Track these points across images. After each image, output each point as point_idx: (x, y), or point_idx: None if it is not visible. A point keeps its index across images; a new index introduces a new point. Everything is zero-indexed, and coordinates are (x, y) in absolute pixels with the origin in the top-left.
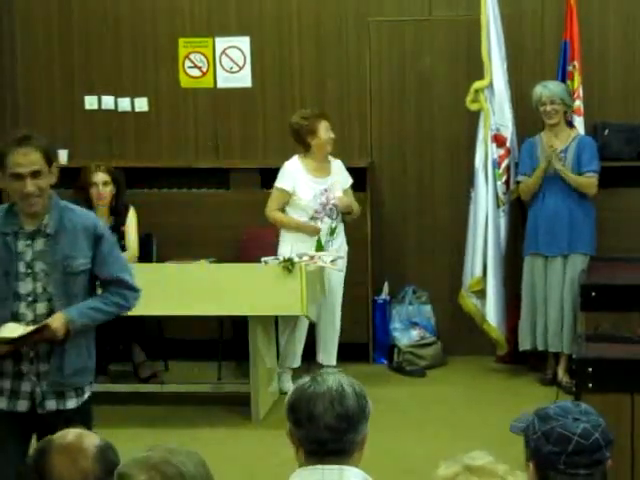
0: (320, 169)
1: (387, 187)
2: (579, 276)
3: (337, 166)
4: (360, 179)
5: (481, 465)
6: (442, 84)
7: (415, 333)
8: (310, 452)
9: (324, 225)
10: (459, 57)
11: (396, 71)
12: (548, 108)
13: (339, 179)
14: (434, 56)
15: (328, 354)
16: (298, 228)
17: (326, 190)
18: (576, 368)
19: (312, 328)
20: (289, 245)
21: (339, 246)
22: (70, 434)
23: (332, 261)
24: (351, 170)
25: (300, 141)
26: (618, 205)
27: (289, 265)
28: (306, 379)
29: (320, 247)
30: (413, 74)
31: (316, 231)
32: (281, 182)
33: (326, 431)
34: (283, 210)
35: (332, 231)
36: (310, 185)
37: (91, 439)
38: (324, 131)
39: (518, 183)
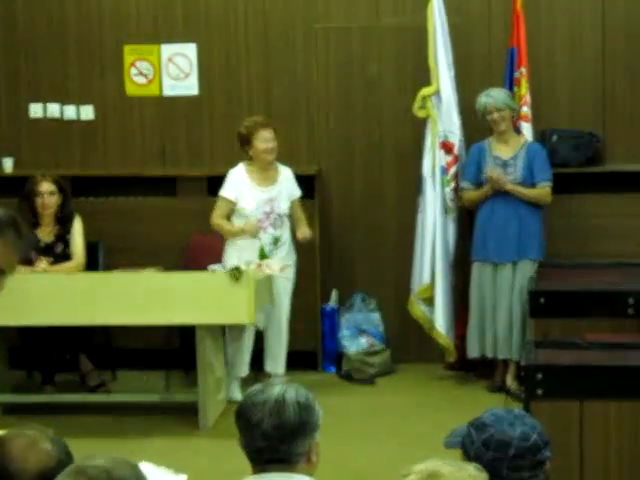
0: (265, 178)
1: (335, 194)
2: (528, 282)
3: (285, 176)
4: (308, 186)
5: (448, 472)
6: (390, 91)
7: (364, 341)
8: (252, 460)
9: (267, 235)
10: (407, 64)
11: (344, 78)
12: (495, 116)
13: (285, 190)
14: (382, 62)
15: (275, 363)
16: (239, 233)
17: (271, 199)
18: (525, 375)
19: (261, 337)
20: (233, 254)
21: (285, 255)
22: (12, 430)
23: (280, 269)
24: (299, 177)
25: (242, 149)
26: (567, 211)
27: (237, 273)
28: (256, 387)
29: (264, 256)
30: (361, 80)
31: (255, 229)
32: (225, 190)
33: (262, 439)
34: (229, 218)
35: (276, 240)
36: (253, 194)
37: (31, 429)
38: (259, 141)
39: (462, 189)
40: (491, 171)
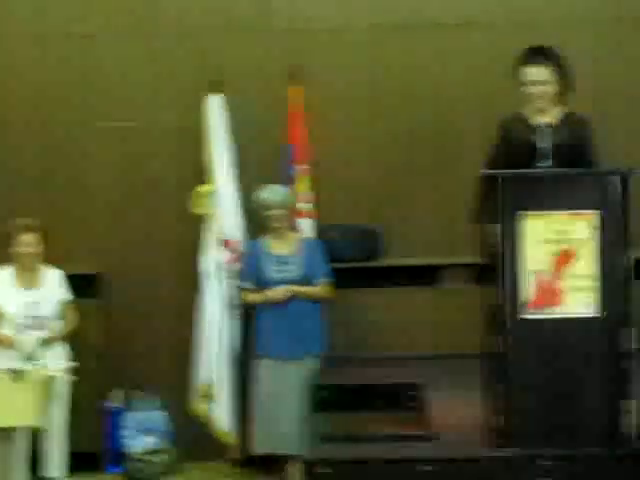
0: (29, 280)
1: (116, 293)
2: (311, 377)
3: (52, 278)
4: (89, 286)
5: None
6: (170, 188)
7: (148, 440)
8: None
9: (32, 338)
10: (187, 162)
11: (123, 176)
12: (275, 213)
13: (51, 293)
14: (162, 160)
15: (56, 466)
16: (1, 341)
17: (34, 302)
18: (309, 469)
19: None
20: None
21: (57, 356)
22: None
23: (62, 369)
24: (80, 277)
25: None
26: (347, 306)
27: (19, 375)
28: None
29: (29, 358)
30: (140, 178)
31: (10, 344)
32: None
33: None
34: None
35: (43, 342)
36: (15, 297)
37: None
38: (17, 245)
39: (242, 289)
40: (274, 294)
